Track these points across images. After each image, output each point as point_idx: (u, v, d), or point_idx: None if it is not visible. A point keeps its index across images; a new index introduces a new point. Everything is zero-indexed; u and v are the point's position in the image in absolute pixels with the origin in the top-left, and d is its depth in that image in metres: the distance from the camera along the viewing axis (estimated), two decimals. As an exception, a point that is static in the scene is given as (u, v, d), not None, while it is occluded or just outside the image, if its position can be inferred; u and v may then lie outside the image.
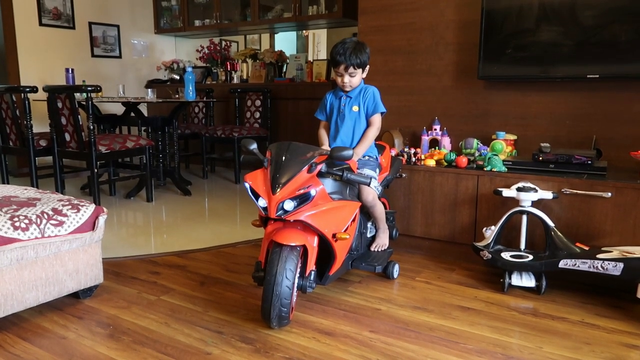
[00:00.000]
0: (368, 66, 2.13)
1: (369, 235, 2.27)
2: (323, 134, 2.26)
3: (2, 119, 3.71)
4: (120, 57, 5.74)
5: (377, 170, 2.17)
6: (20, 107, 3.54)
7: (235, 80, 5.57)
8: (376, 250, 2.25)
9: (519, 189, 2.15)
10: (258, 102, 4.90)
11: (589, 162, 2.25)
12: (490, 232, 2.22)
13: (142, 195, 3.95)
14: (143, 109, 5.07)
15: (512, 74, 2.64)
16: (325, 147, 2.18)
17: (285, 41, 6.85)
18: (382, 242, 2.28)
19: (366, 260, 2.16)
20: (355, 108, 2.14)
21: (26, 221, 1.76)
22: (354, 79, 2.10)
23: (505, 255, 2.13)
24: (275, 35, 6.64)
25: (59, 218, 1.86)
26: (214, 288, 2.17)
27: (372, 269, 2.15)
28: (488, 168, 2.40)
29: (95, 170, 3.38)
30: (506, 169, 2.38)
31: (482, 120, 2.82)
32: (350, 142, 2.16)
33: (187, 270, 2.38)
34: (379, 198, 2.24)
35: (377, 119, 2.15)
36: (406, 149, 2.67)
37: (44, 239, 1.79)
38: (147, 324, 1.83)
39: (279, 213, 1.70)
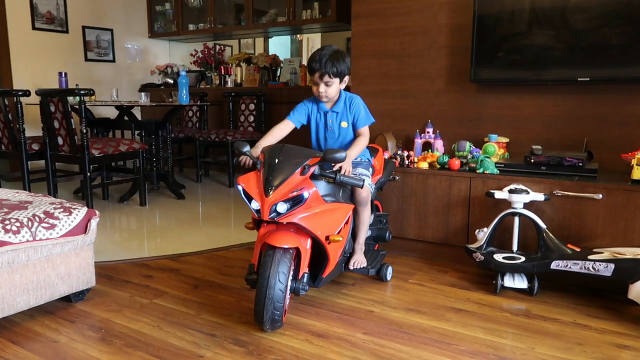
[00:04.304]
0: (347, 77, 2.04)
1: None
2: (276, 132, 2.07)
3: (-5, 122, 3.70)
4: (114, 61, 5.73)
5: (371, 170, 2.18)
6: (13, 110, 3.53)
7: (229, 84, 5.57)
8: (354, 267, 2.13)
9: (511, 191, 2.17)
10: (252, 106, 4.91)
11: (580, 164, 2.27)
12: (483, 234, 2.23)
13: (136, 199, 3.93)
14: (137, 112, 5.05)
15: (504, 77, 2.66)
16: (263, 142, 2.02)
17: (279, 45, 6.88)
18: (360, 258, 2.14)
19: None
20: (344, 124, 2.10)
21: (17, 224, 1.75)
22: (330, 88, 2.00)
23: (498, 257, 2.13)
24: (270, 39, 6.67)
25: (51, 221, 1.85)
26: (207, 291, 2.16)
27: (365, 271, 2.15)
28: (480, 170, 2.41)
29: (88, 174, 3.37)
30: (498, 171, 2.39)
31: (474, 123, 2.84)
32: None
33: (180, 274, 2.38)
34: (373, 201, 2.24)
35: (367, 130, 2.11)
36: (399, 152, 2.68)
37: (35, 242, 1.78)
38: (139, 327, 1.82)
39: (272, 215, 1.70)
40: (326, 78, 1.98)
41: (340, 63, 1.98)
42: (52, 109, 3.40)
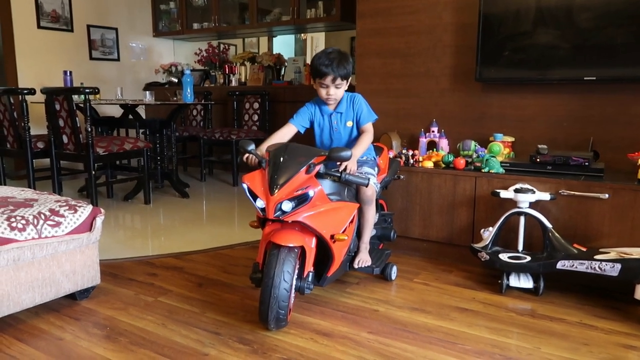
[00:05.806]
0: (351, 77, 2.06)
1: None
2: (280, 135, 2.06)
3: (0, 121, 3.71)
4: (118, 60, 5.74)
5: (376, 169, 2.17)
6: (18, 109, 3.54)
7: (234, 83, 5.57)
8: (359, 266, 2.12)
9: (516, 191, 2.16)
10: (256, 105, 4.91)
11: (586, 163, 2.26)
12: (488, 234, 2.22)
13: (140, 198, 3.94)
14: (141, 111, 5.06)
15: (510, 76, 2.65)
16: (264, 147, 1.98)
17: (283, 44, 6.87)
18: (365, 257, 2.14)
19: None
20: (349, 123, 2.10)
21: (23, 222, 1.75)
22: (338, 90, 2.02)
23: (503, 256, 2.13)
24: (274, 38, 6.65)
25: (56, 219, 1.85)
26: (211, 289, 2.17)
27: (370, 270, 2.14)
28: (486, 170, 2.40)
29: (93, 172, 3.38)
30: (504, 171, 2.38)
31: (479, 122, 2.83)
32: None
33: (185, 272, 2.38)
34: (377, 200, 2.24)
35: (370, 127, 2.11)
36: (404, 151, 2.68)
37: (40, 240, 1.78)
38: (144, 325, 1.83)
39: (277, 214, 1.70)
40: (338, 81, 1.99)
41: (347, 65, 1.99)
42: (57, 107, 3.41)
